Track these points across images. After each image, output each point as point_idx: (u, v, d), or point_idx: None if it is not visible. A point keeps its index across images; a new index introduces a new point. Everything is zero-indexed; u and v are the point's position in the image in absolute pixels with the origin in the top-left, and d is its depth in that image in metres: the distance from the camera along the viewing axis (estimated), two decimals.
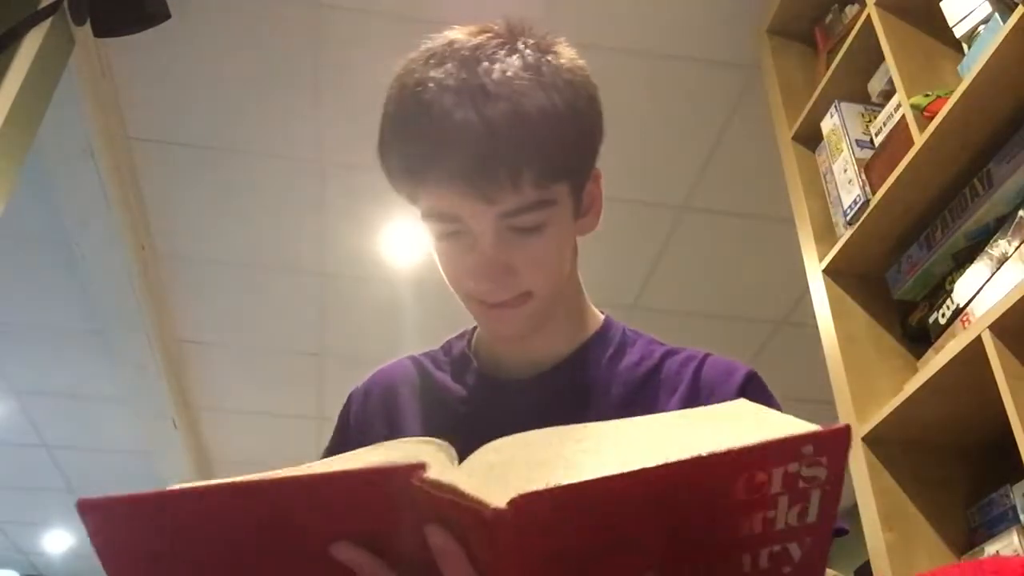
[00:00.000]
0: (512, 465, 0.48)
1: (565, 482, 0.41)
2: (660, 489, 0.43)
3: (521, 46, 0.75)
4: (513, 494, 0.41)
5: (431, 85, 0.72)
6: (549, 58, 0.75)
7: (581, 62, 0.79)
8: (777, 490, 0.44)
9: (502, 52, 0.74)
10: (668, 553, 0.46)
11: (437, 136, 0.71)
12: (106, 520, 0.50)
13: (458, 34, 0.77)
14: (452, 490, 0.45)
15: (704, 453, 0.42)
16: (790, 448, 0.43)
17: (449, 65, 0.73)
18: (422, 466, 0.47)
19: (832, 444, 0.43)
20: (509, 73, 0.72)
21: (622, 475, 0.41)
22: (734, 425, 0.50)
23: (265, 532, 0.51)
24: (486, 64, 0.73)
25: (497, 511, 0.41)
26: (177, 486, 0.51)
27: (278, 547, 0.52)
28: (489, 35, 0.76)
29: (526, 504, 0.40)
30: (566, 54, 0.78)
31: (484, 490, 0.43)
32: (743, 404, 0.54)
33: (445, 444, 0.55)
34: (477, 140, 0.69)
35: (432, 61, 0.74)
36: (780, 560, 0.47)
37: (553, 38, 0.79)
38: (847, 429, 0.43)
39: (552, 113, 0.72)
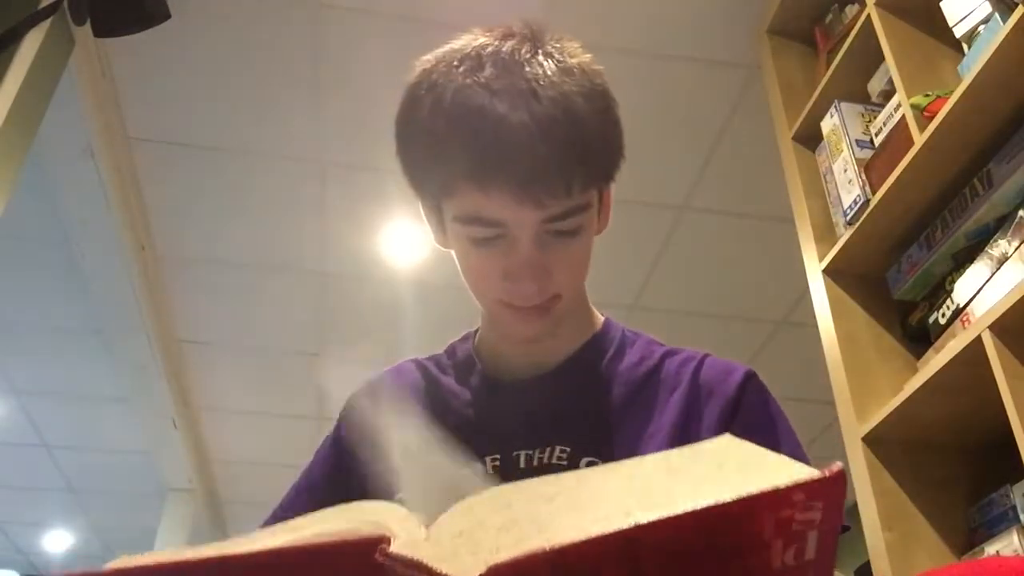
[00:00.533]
0: (481, 529, 0.45)
1: (536, 548, 0.39)
2: (640, 546, 0.41)
3: (551, 49, 0.74)
4: (483, 565, 0.39)
5: (478, 89, 0.70)
6: (578, 61, 0.75)
7: (599, 67, 0.78)
8: (770, 535, 0.42)
9: (540, 56, 0.73)
10: None
11: (491, 142, 0.69)
12: None
13: (482, 37, 0.76)
14: (418, 565, 0.42)
15: (683, 511, 0.40)
16: (779, 499, 0.41)
17: (489, 70, 0.71)
18: (386, 539, 0.44)
19: (826, 489, 0.41)
20: (554, 78, 0.71)
21: (594, 539, 0.39)
22: (718, 472, 0.47)
23: None
24: (528, 68, 0.71)
25: None
26: (131, 561, 0.49)
27: None
28: (516, 39, 0.75)
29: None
30: (585, 57, 0.77)
31: (453, 562, 0.41)
32: (727, 443, 0.50)
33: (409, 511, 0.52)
34: (535, 145, 0.68)
35: (468, 64, 0.73)
36: None
37: (567, 41, 0.78)
38: (841, 474, 0.41)
39: (596, 116, 0.72)
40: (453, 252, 0.81)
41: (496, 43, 0.75)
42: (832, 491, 0.42)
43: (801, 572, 0.44)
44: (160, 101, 2.42)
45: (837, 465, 0.41)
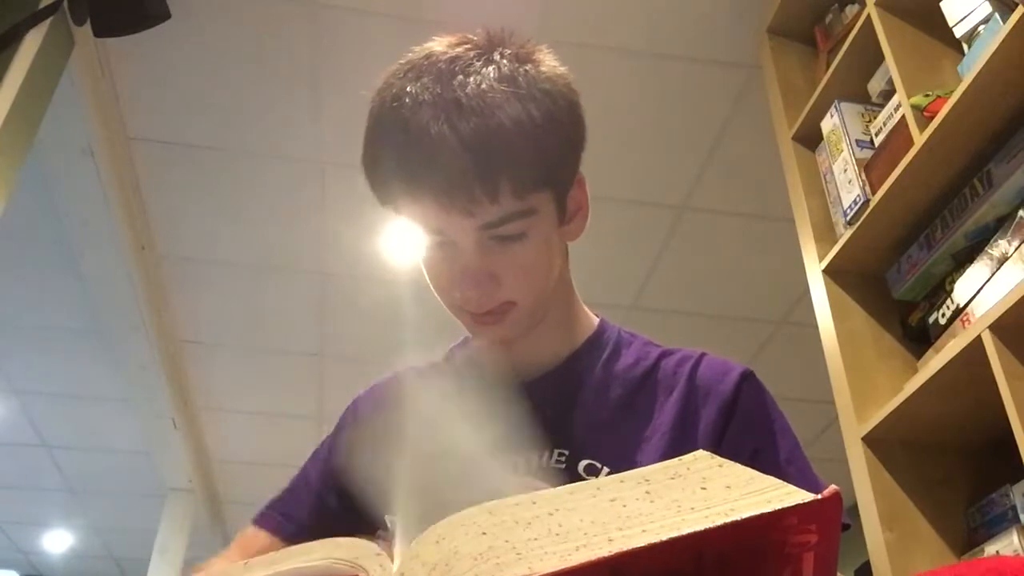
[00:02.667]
0: (456, 559, 0.44)
1: None
2: (623, 573, 0.40)
3: (498, 56, 0.75)
4: None
5: (407, 100, 0.73)
6: (527, 68, 0.76)
7: (562, 70, 0.79)
8: (761, 558, 0.41)
9: (478, 64, 0.74)
10: None
11: (414, 152, 0.71)
12: None
13: (437, 46, 0.78)
14: None
15: (666, 538, 0.38)
16: (770, 524, 0.39)
17: (425, 79, 0.74)
18: None
19: (821, 512, 0.40)
20: (484, 86, 0.72)
21: (577, 568, 0.38)
22: (701, 493, 0.44)
23: None
24: (461, 77, 0.73)
25: None
26: None
27: None
28: (467, 46, 0.77)
29: None
30: (546, 62, 0.78)
31: None
32: (708, 462, 0.48)
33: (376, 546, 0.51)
34: (452, 156, 0.70)
35: (410, 75, 0.75)
36: None
37: (534, 45, 0.79)
38: (836, 496, 0.40)
39: (528, 124, 0.72)
40: None
41: (443, 51, 0.76)
42: (827, 514, 0.40)
43: None
44: (160, 101, 2.42)
45: (832, 488, 0.40)
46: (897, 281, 1.69)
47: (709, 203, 2.75)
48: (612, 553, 0.39)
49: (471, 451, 0.82)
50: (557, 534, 0.43)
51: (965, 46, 1.52)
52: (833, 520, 0.41)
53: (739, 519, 0.39)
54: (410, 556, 0.46)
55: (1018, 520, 1.40)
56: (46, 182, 2.45)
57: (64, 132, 2.25)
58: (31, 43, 1.71)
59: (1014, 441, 1.23)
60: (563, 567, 0.38)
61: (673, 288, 3.10)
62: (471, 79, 0.73)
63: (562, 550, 0.41)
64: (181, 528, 4.10)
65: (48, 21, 1.75)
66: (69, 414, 3.95)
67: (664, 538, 0.39)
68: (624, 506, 0.44)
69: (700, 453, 0.48)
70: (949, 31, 1.54)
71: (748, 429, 0.80)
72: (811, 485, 0.42)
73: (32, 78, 1.70)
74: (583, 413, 0.83)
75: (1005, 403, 1.25)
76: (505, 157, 0.71)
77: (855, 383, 1.64)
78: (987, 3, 1.44)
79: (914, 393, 1.47)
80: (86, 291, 3.00)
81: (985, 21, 1.45)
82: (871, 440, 1.57)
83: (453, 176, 0.70)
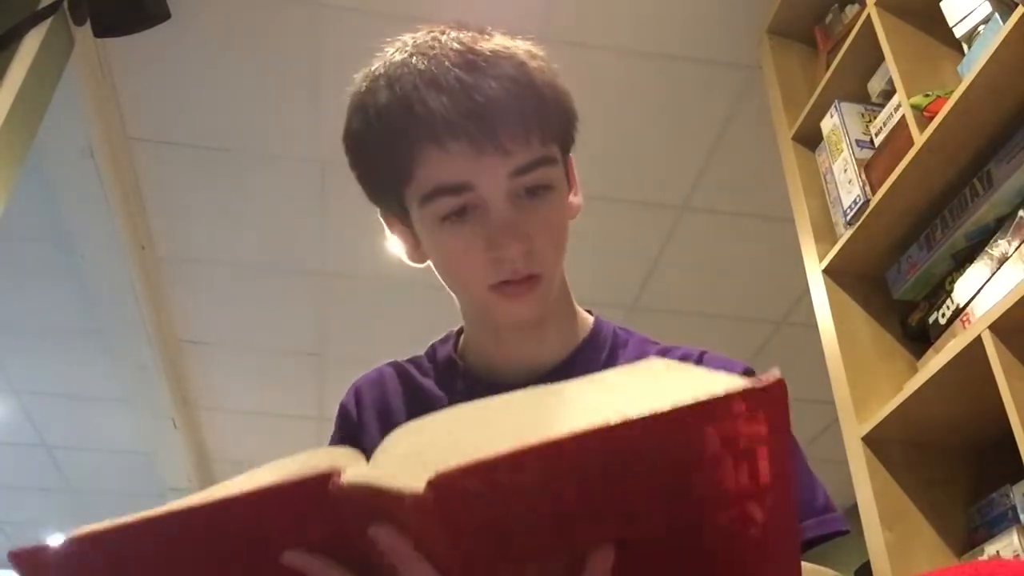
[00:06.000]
0: (430, 449, 0.47)
1: (484, 456, 0.40)
2: (579, 460, 0.41)
3: (487, 36, 0.78)
4: (433, 474, 0.40)
5: (425, 57, 0.74)
6: (517, 42, 0.79)
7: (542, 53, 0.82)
8: (715, 451, 0.42)
9: (478, 35, 0.77)
10: (620, 521, 0.45)
11: (442, 100, 0.71)
12: (42, 569, 0.49)
13: (418, 34, 0.80)
14: (368, 488, 0.44)
15: (615, 422, 0.40)
16: (717, 408, 0.41)
17: (436, 47, 0.75)
18: (336, 472, 0.46)
19: (767, 399, 0.41)
20: (496, 46, 0.75)
21: (533, 447, 0.40)
22: (653, 384, 0.48)
23: (210, 551, 0.51)
24: (470, 37, 0.76)
25: (416, 496, 0.40)
26: (90, 528, 0.50)
27: (231, 563, 0.51)
28: (451, 28, 0.79)
29: (444, 483, 0.40)
30: (524, 46, 0.81)
31: (402, 479, 0.42)
32: (657, 362, 0.51)
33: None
34: (488, 93, 0.71)
35: (409, 50, 0.76)
36: (742, 522, 0.45)
37: (507, 35, 0.82)
38: (780, 383, 0.41)
39: (544, 76, 0.76)
40: (429, 258, 0.83)
41: (433, 32, 0.78)
42: (773, 400, 0.42)
43: (759, 496, 0.44)
44: (160, 101, 2.42)
45: (774, 373, 0.41)
46: (897, 281, 1.69)
47: (709, 203, 2.75)
48: (567, 435, 0.40)
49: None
50: (523, 430, 0.44)
51: (965, 46, 1.52)
52: (780, 410, 0.42)
53: (688, 403, 0.40)
54: (382, 449, 0.49)
55: (1018, 520, 1.40)
56: (46, 182, 2.45)
57: (64, 132, 2.25)
58: (31, 43, 1.71)
59: (1014, 441, 1.23)
60: (523, 446, 0.40)
61: (673, 288, 3.10)
62: (480, 44, 0.75)
63: (525, 437, 0.42)
64: None
65: (48, 21, 1.75)
66: (69, 414, 3.95)
67: (615, 422, 0.40)
68: (587, 402, 0.48)
69: (652, 358, 0.52)
70: (949, 31, 1.54)
71: None
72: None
73: (32, 78, 1.70)
74: None
75: (1005, 403, 1.25)
76: (533, 99, 0.74)
77: (855, 383, 1.64)
78: (987, 3, 1.44)
79: (914, 393, 1.47)
80: (86, 291, 3.00)
81: (985, 21, 1.45)
82: (871, 440, 1.57)
83: (489, 110, 0.71)
